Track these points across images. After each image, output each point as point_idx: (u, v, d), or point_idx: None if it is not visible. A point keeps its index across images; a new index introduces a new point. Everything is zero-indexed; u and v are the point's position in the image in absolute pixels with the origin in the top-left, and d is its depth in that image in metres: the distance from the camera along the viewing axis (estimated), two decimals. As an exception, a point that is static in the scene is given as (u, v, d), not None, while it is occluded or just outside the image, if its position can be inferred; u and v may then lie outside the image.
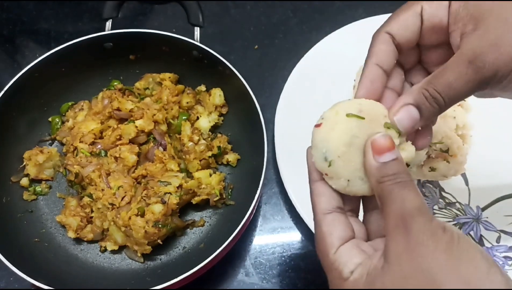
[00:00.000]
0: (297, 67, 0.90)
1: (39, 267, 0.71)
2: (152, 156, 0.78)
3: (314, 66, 0.91)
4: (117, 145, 0.78)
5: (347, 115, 0.45)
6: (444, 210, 0.82)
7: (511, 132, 0.88)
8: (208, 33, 0.94)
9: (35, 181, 0.81)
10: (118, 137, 0.79)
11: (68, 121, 0.84)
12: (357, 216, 0.51)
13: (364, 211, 0.51)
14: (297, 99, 0.88)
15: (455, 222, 0.82)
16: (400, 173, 0.43)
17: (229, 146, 0.83)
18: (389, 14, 0.51)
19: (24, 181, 0.80)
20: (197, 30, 0.82)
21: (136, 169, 0.78)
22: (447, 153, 0.76)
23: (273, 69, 0.97)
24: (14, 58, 0.98)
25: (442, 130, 0.76)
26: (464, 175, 0.85)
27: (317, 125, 0.47)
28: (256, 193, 0.70)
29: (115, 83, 0.86)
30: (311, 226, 0.75)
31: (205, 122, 0.83)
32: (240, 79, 0.78)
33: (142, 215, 0.71)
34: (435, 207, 0.83)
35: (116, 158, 0.77)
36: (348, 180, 0.46)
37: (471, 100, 0.58)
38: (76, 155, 0.78)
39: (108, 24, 0.82)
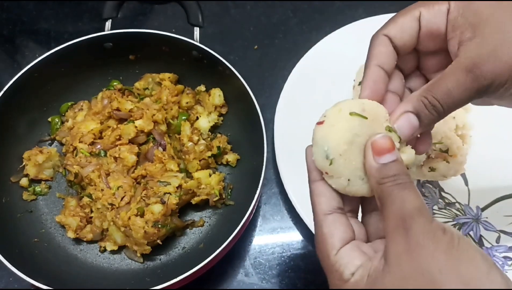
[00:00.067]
0: (297, 67, 0.90)
1: (39, 267, 0.71)
2: (152, 156, 0.78)
3: (314, 66, 0.91)
4: (116, 145, 0.78)
5: (351, 113, 0.45)
6: (443, 210, 0.82)
7: (511, 132, 0.88)
8: (208, 33, 0.94)
9: (34, 181, 0.81)
10: (117, 137, 0.79)
11: (67, 121, 0.84)
12: (356, 216, 0.51)
13: (363, 213, 0.51)
14: (297, 99, 0.88)
15: (454, 222, 0.81)
16: (400, 175, 0.43)
17: (229, 146, 0.83)
18: (389, 14, 0.52)
19: (24, 181, 0.80)
20: (197, 30, 0.82)
21: (135, 169, 0.78)
22: (446, 153, 0.76)
23: (273, 69, 0.97)
24: (14, 58, 0.98)
25: (441, 130, 0.76)
26: (463, 175, 0.85)
27: (319, 123, 0.46)
28: (255, 193, 0.70)
29: (115, 83, 0.86)
30: (311, 227, 0.75)
31: (205, 122, 0.83)
32: (240, 79, 0.78)
33: (142, 215, 0.71)
34: (435, 207, 0.83)
35: (115, 158, 0.77)
36: (349, 180, 0.46)
37: (471, 100, 0.58)
38: (76, 155, 0.78)
39: (108, 24, 0.82)
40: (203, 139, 0.82)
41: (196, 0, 0.82)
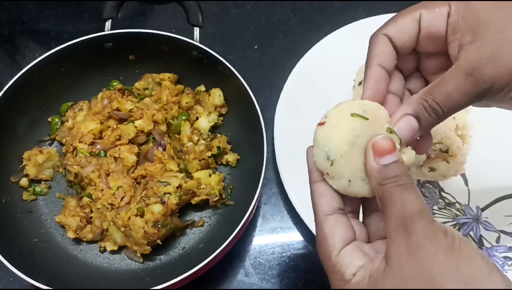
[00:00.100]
0: (297, 67, 0.90)
1: (39, 267, 0.71)
2: (152, 156, 0.78)
3: (314, 66, 0.91)
4: (116, 145, 0.78)
5: (352, 114, 0.45)
6: (443, 210, 0.82)
7: (511, 132, 0.88)
8: (208, 33, 0.94)
9: (34, 181, 0.81)
10: (117, 137, 0.79)
11: (67, 121, 0.84)
12: (357, 217, 0.51)
13: (364, 213, 0.51)
14: (297, 99, 0.88)
15: (454, 222, 0.81)
16: (401, 176, 0.43)
17: (229, 146, 0.83)
18: (389, 14, 0.52)
19: (24, 181, 0.80)
20: (197, 30, 0.82)
21: (135, 169, 0.78)
22: (446, 153, 0.76)
23: (273, 69, 0.96)
24: (14, 58, 0.98)
25: (441, 130, 0.76)
26: (463, 175, 0.85)
27: (320, 124, 0.46)
28: (255, 193, 0.70)
29: (115, 83, 0.86)
30: (311, 227, 0.75)
31: (205, 122, 0.83)
32: (239, 79, 0.78)
33: (142, 215, 0.71)
34: (435, 207, 0.83)
35: (115, 158, 0.77)
36: (350, 180, 0.46)
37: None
38: (76, 155, 0.78)
39: (108, 24, 0.82)
40: (203, 139, 0.82)
41: (196, 0, 0.82)
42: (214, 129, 0.85)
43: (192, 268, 0.65)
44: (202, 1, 0.83)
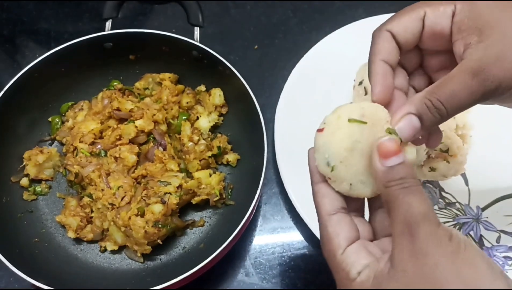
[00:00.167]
0: (297, 67, 0.90)
1: (39, 267, 0.71)
2: (152, 156, 0.78)
3: (314, 66, 0.91)
4: (117, 145, 0.78)
5: (349, 120, 0.45)
6: (444, 210, 0.82)
7: (511, 132, 0.88)
8: (208, 33, 0.94)
9: (35, 181, 0.81)
10: (118, 137, 0.79)
11: (68, 121, 0.84)
12: (362, 215, 0.51)
13: (370, 210, 0.51)
14: (297, 99, 0.88)
15: (455, 222, 0.82)
16: (406, 178, 0.42)
17: (229, 146, 0.83)
18: (389, 14, 0.51)
19: (24, 181, 0.80)
20: (197, 30, 0.82)
21: (136, 169, 0.78)
22: (447, 153, 0.77)
23: (273, 69, 0.97)
24: (14, 58, 0.98)
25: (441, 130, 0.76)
26: (464, 175, 0.85)
27: (319, 130, 0.47)
28: (256, 193, 0.70)
29: (115, 83, 0.86)
30: (311, 226, 0.75)
31: (205, 122, 0.83)
32: (240, 79, 0.78)
33: (142, 215, 0.71)
34: (435, 207, 0.83)
35: (116, 158, 0.77)
36: (351, 184, 0.46)
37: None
38: (76, 155, 0.78)
39: (108, 24, 0.82)
40: (204, 139, 0.82)
41: (196, 0, 0.82)
42: (214, 129, 0.85)
43: (192, 268, 0.65)
44: (202, 1, 0.83)
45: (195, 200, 0.77)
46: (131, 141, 0.79)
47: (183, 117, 0.83)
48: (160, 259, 0.76)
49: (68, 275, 0.73)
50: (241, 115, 0.83)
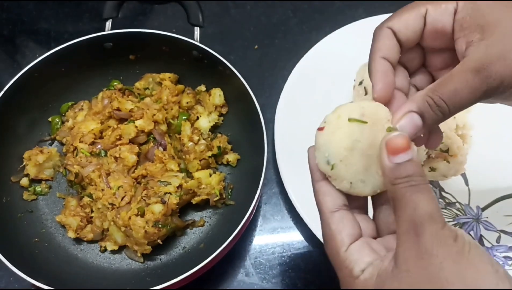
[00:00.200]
0: (297, 67, 0.90)
1: (39, 267, 0.71)
2: (152, 156, 0.78)
3: (314, 66, 0.91)
4: (117, 145, 0.78)
5: (349, 119, 0.45)
6: (444, 210, 0.82)
7: (511, 132, 0.88)
8: (208, 33, 0.94)
9: (35, 181, 0.81)
10: (118, 137, 0.79)
11: (68, 121, 0.84)
12: (365, 212, 0.51)
13: (374, 207, 0.51)
14: (297, 99, 0.88)
15: (455, 222, 0.82)
16: (414, 176, 0.42)
17: (229, 146, 0.83)
18: (389, 14, 0.51)
19: (24, 181, 0.80)
20: (197, 30, 0.82)
21: (136, 169, 0.78)
22: (447, 153, 0.77)
23: (273, 69, 0.97)
24: (14, 58, 0.98)
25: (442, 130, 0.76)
26: (464, 175, 0.85)
27: (320, 129, 0.47)
28: (256, 193, 0.70)
29: (115, 83, 0.86)
30: (311, 226, 0.75)
31: (205, 122, 0.83)
32: (240, 79, 0.78)
33: (142, 215, 0.71)
34: (435, 207, 0.82)
35: (116, 158, 0.77)
36: (351, 183, 0.46)
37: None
38: (76, 155, 0.78)
39: (108, 24, 0.82)
40: (204, 139, 0.82)
41: (196, 0, 0.82)
42: (214, 129, 0.85)
43: (192, 268, 0.65)
44: (202, 1, 0.83)
45: (195, 200, 0.77)
46: (131, 141, 0.79)
47: (183, 117, 0.83)
48: (160, 259, 0.76)
49: (68, 275, 0.73)
50: (241, 115, 0.83)
